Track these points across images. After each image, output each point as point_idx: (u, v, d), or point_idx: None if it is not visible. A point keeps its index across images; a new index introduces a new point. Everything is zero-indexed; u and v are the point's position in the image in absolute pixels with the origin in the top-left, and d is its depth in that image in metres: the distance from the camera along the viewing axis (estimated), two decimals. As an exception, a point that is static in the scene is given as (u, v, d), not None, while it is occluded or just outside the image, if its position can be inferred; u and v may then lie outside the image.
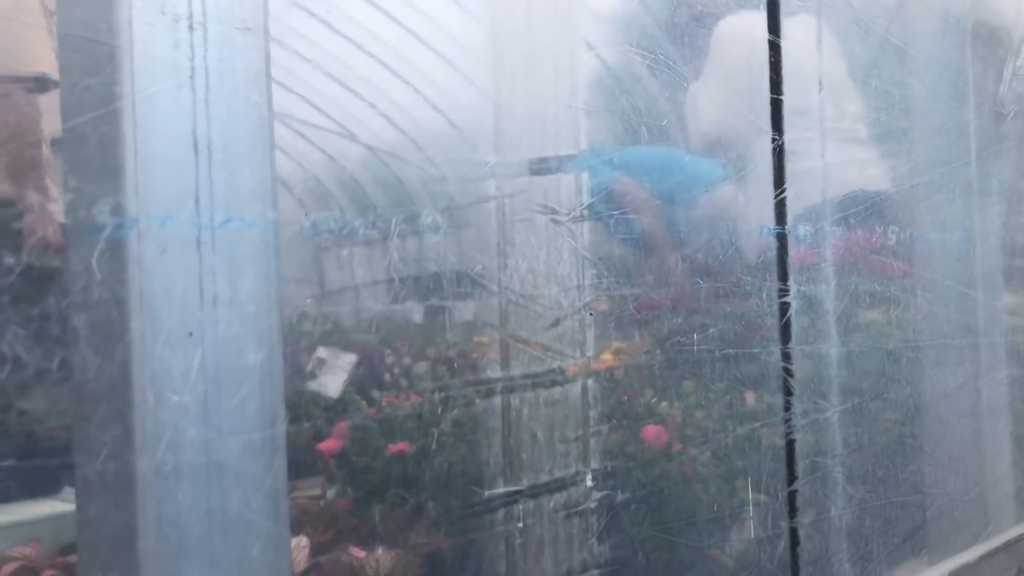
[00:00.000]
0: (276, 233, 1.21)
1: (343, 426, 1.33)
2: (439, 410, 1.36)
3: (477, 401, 1.40)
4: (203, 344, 1.12)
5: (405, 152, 1.34)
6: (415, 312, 1.34)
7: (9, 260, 0.98)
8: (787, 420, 1.96)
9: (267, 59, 1.22)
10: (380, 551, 1.33)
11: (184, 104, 1.14)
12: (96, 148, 1.06)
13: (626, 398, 1.65)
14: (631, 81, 1.66)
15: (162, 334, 1.08)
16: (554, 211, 1.51)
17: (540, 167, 1.51)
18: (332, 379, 1.38)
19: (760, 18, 1.93)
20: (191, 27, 1.15)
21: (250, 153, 1.19)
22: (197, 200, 1.14)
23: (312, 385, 1.31)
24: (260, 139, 1.21)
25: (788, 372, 1.96)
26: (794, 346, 1.98)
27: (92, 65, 1.09)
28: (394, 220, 1.30)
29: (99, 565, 1.09)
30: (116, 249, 1.06)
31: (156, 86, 1.11)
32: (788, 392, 1.97)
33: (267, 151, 1.21)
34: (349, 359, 1.37)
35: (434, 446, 1.34)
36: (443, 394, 1.36)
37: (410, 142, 1.34)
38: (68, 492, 1.25)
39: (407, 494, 1.32)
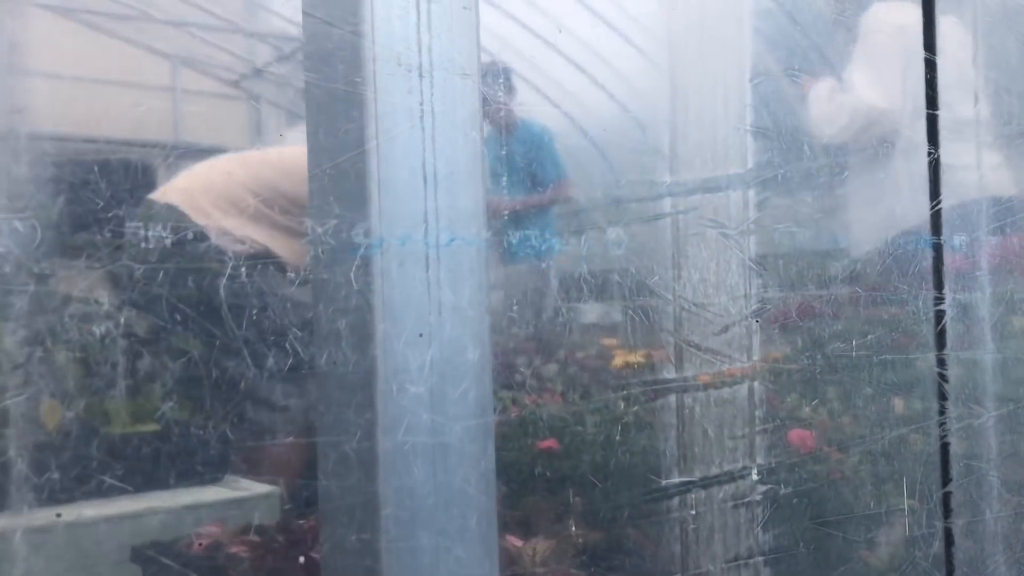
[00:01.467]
0: (488, 249, 1.40)
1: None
2: (622, 406, 1.53)
3: (656, 399, 1.56)
4: (433, 344, 1.32)
5: (594, 176, 1.51)
6: (601, 317, 1.52)
7: (290, 274, 1.21)
8: (941, 424, 2.03)
9: (481, 100, 1.42)
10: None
11: (415, 141, 1.35)
12: (352, 182, 1.28)
13: (789, 399, 1.77)
14: (795, 103, 1.78)
15: (402, 335, 1.29)
16: (723, 225, 1.65)
17: (711, 185, 1.66)
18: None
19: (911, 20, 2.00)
20: (420, 75, 1.36)
21: (468, 181, 1.39)
22: (426, 222, 1.35)
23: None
24: (476, 169, 1.40)
25: (943, 377, 2.03)
26: (949, 352, 2.05)
27: (345, 112, 1.31)
28: (583, 237, 1.48)
29: (351, 528, 1.30)
30: (367, 264, 1.28)
31: (395, 128, 1.33)
32: (943, 397, 2.04)
33: (481, 179, 1.41)
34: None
35: (618, 437, 1.51)
36: (626, 392, 1.53)
37: (598, 167, 1.51)
38: (230, 479, 1.42)
39: (596, 480, 1.49)
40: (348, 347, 1.25)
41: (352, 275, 1.25)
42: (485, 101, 1.42)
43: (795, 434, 1.86)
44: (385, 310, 1.29)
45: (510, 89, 1.56)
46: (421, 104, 1.36)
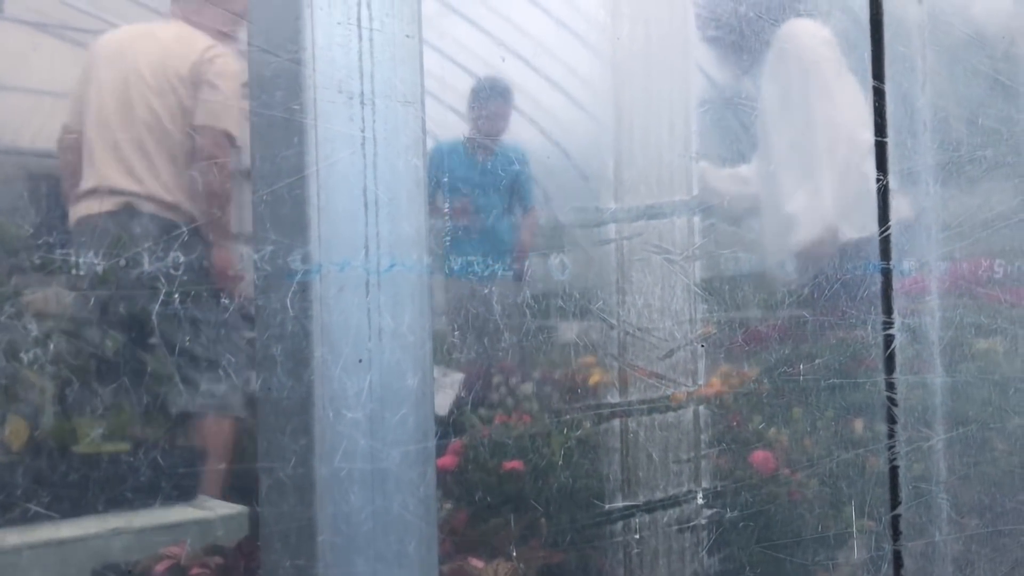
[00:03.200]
0: (430, 275, 1.41)
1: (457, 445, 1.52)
2: (564, 430, 1.54)
3: (599, 423, 1.57)
4: (371, 369, 1.33)
5: (537, 202, 1.53)
6: (545, 343, 1.53)
7: (224, 301, 1.22)
8: (891, 447, 2.06)
9: (423, 127, 1.44)
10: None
11: (357, 168, 1.36)
12: (290, 208, 1.29)
13: (735, 424, 1.79)
14: (740, 132, 1.81)
15: (340, 360, 1.30)
16: (668, 251, 1.67)
17: (656, 211, 1.68)
18: (441, 397, 1.57)
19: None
20: (362, 103, 1.37)
21: (409, 207, 1.40)
22: (367, 248, 1.36)
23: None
24: (417, 195, 1.42)
25: (892, 401, 2.06)
26: (898, 376, 2.08)
27: (285, 139, 1.32)
28: (527, 262, 1.49)
29: (285, 555, 1.30)
30: (304, 290, 1.28)
31: (336, 154, 1.34)
32: (892, 420, 2.06)
33: (423, 205, 1.42)
34: (457, 378, 1.56)
35: (560, 462, 1.52)
36: (567, 416, 1.54)
37: (541, 192, 1.53)
38: (202, 499, 1.44)
39: (537, 504, 1.50)
40: (284, 373, 1.25)
41: (288, 301, 1.26)
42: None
43: (756, 455, 1.88)
44: (323, 336, 1.29)
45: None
46: (363, 131, 1.37)
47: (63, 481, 1.12)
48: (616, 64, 1.64)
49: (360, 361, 1.33)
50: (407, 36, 1.43)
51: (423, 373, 1.38)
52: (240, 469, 1.31)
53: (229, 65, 1.84)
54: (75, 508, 1.13)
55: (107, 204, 1.69)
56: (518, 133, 1.52)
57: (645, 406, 1.64)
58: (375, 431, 1.32)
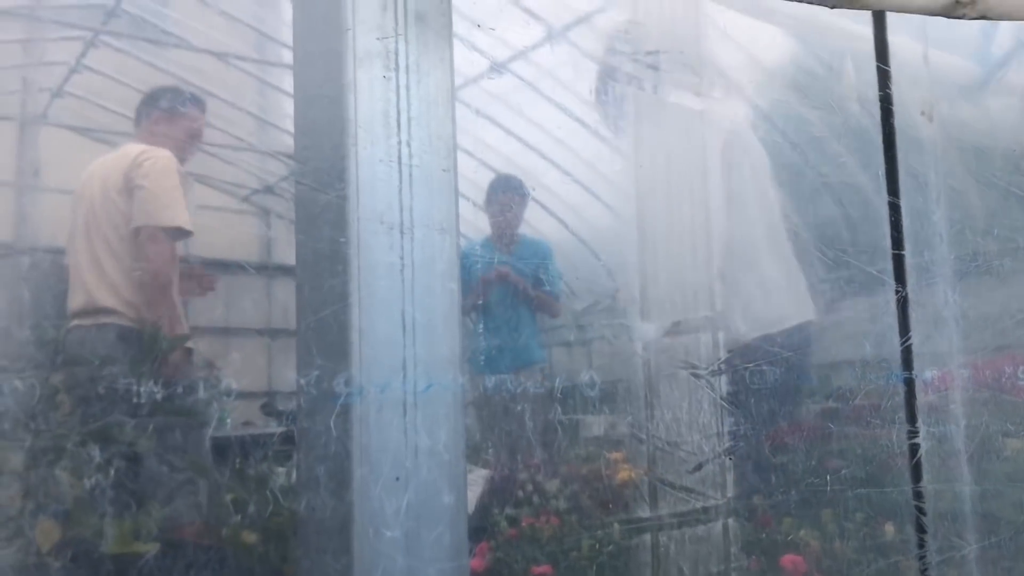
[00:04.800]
0: (464, 394, 1.48)
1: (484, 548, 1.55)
2: (596, 544, 1.57)
3: (630, 537, 1.60)
4: (409, 488, 1.38)
5: (568, 320, 1.60)
6: (576, 457, 1.57)
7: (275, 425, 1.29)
8: (922, 557, 2.05)
9: (458, 253, 1.52)
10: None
11: (395, 293, 1.44)
12: (335, 334, 1.36)
13: (764, 535, 1.81)
14: (761, 250, 1.88)
15: (379, 480, 1.35)
16: (694, 366, 1.72)
17: (681, 328, 1.74)
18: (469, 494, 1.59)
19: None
20: (401, 232, 1.46)
21: (445, 329, 1.47)
22: (404, 370, 1.42)
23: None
24: (452, 318, 1.49)
25: (920, 510, 2.06)
26: (926, 484, 2.09)
27: (330, 268, 1.41)
28: (557, 380, 1.55)
29: (325, 671, 1.33)
30: (346, 412, 1.35)
31: (377, 281, 1.42)
32: (922, 529, 2.07)
33: (458, 327, 1.50)
34: (482, 474, 1.60)
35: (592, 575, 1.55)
36: (599, 531, 1.57)
37: (572, 313, 1.60)
38: None
39: (571, 619, 1.52)
40: (327, 493, 1.31)
41: (332, 423, 1.32)
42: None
43: (787, 559, 1.88)
44: (363, 456, 1.35)
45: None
46: (401, 259, 1.46)
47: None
48: (639, 191, 1.73)
49: (398, 479, 1.38)
50: (443, 170, 1.52)
51: (458, 491, 1.43)
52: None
53: (156, 164, 1.92)
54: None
55: (87, 319, 1.77)
56: (544, 234, 1.61)
57: (675, 519, 1.66)
58: (412, 549, 1.36)
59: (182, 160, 2.00)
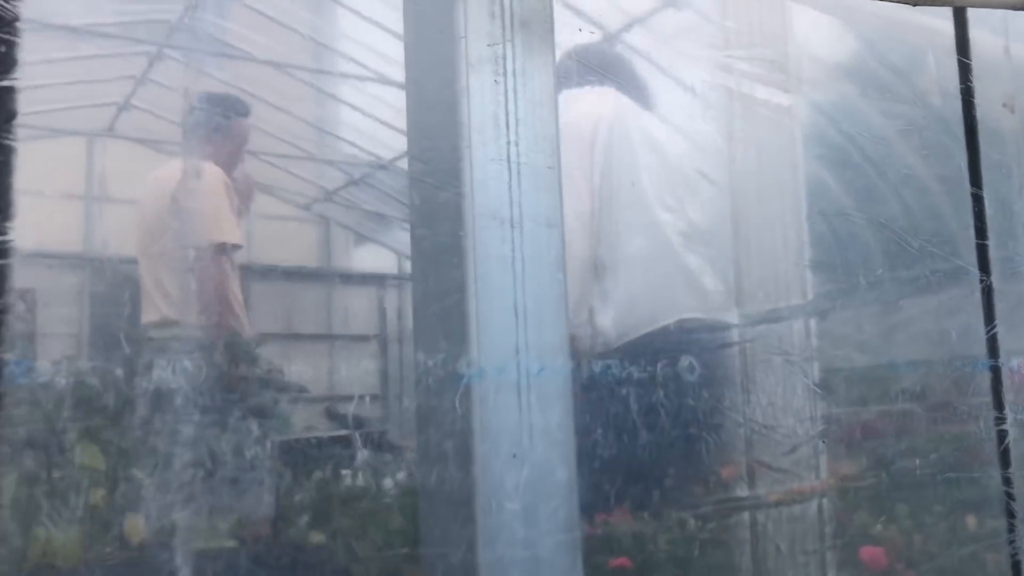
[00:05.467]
0: (573, 377, 1.57)
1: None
2: (699, 521, 1.64)
3: (729, 516, 1.68)
4: (525, 464, 1.47)
5: (668, 309, 1.68)
6: (678, 439, 1.65)
7: (405, 403, 1.39)
8: (1011, 542, 2.08)
9: (563, 245, 1.62)
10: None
11: (507, 283, 1.54)
12: (456, 321, 1.47)
13: (855, 517, 1.87)
14: (848, 239, 1.94)
15: (499, 455, 1.45)
16: (788, 353, 1.79)
17: (774, 316, 1.81)
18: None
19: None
20: (512, 226, 1.56)
21: (554, 317, 1.57)
22: (518, 354, 1.52)
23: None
24: (559, 307, 1.58)
25: (1009, 496, 2.09)
26: (1014, 471, 2.12)
27: (449, 260, 1.51)
28: (659, 364, 1.64)
29: (451, 635, 1.43)
30: (468, 392, 1.45)
31: (491, 272, 1.52)
32: (1011, 515, 2.10)
33: (563, 315, 1.59)
34: None
35: (696, 552, 1.62)
36: (701, 509, 1.65)
37: (674, 305, 1.68)
38: None
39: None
40: (454, 467, 1.41)
41: (457, 402, 1.43)
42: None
43: (867, 552, 1.94)
44: (484, 433, 1.45)
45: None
46: (512, 251, 1.56)
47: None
48: (732, 185, 1.81)
49: (514, 456, 1.47)
50: (548, 167, 1.62)
51: (570, 468, 1.52)
52: (407, 554, 1.46)
53: (202, 182, 2.02)
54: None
55: (162, 332, 1.87)
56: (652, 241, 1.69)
57: (772, 499, 1.73)
58: (530, 521, 1.46)
59: (230, 170, 2.11)
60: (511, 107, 1.60)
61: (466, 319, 1.48)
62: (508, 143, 1.58)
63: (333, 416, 1.47)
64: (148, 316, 1.95)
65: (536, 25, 1.65)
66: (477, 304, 1.50)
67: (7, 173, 1.10)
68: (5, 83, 1.11)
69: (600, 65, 1.77)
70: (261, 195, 2.22)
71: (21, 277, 1.13)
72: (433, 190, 1.51)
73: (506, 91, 1.60)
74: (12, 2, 1.11)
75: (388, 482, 1.38)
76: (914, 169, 2.11)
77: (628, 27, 1.71)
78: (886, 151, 2.07)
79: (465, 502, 1.41)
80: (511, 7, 1.61)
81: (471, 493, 1.42)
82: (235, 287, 1.92)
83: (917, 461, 1.96)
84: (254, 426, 1.24)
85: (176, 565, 1.14)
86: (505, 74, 1.60)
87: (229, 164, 2.13)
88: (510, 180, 1.57)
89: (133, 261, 1.98)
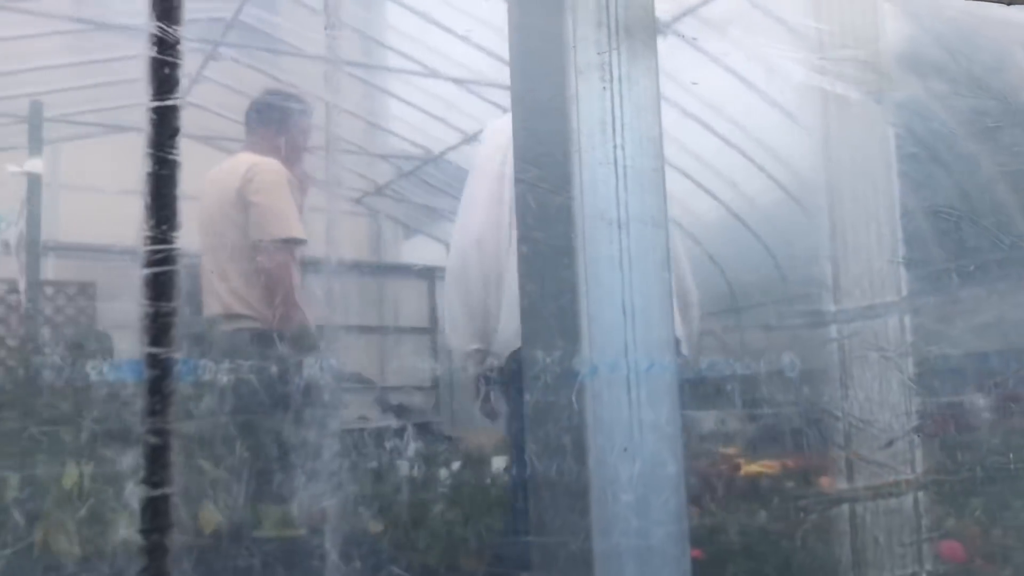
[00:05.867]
0: (678, 374, 1.62)
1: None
2: (800, 513, 1.69)
3: (830, 507, 1.72)
4: (637, 458, 1.53)
5: (769, 306, 1.72)
6: (781, 432, 1.70)
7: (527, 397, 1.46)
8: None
9: (667, 247, 1.67)
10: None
11: (615, 282, 1.60)
12: (569, 320, 1.53)
13: (952, 510, 1.89)
14: (941, 236, 1.97)
15: (613, 449, 1.51)
16: (883, 348, 1.82)
17: (870, 312, 1.84)
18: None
19: None
20: (619, 227, 1.62)
21: (660, 315, 1.62)
22: (627, 351, 1.58)
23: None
24: (665, 305, 1.64)
25: (1105, 490, 2.10)
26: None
27: (558, 261, 1.57)
28: (762, 361, 1.68)
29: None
30: (582, 388, 1.51)
31: (601, 272, 1.58)
32: (1106, 509, 2.10)
33: (669, 313, 1.64)
34: None
35: (798, 543, 1.67)
36: (803, 500, 1.69)
37: (772, 302, 1.73)
38: None
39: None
40: (572, 459, 1.47)
41: (573, 397, 1.49)
42: (673, 247, 1.67)
43: (946, 546, 1.96)
44: (597, 427, 1.51)
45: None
46: (620, 251, 1.61)
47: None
48: (829, 184, 1.84)
49: (625, 450, 1.53)
50: (653, 169, 1.67)
51: (678, 462, 1.57)
52: (528, 542, 1.52)
53: (266, 178, 2.06)
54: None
55: (227, 325, 1.93)
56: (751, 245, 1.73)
57: (870, 492, 1.77)
58: (642, 512, 1.51)
59: (291, 165, 2.17)
60: (617, 112, 1.65)
61: (578, 317, 1.54)
62: (615, 147, 1.63)
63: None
64: (211, 309, 2.03)
65: (639, 31, 1.70)
66: (588, 302, 1.56)
67: (172, 185, 1.18)
68: (169, 102, 1.19)
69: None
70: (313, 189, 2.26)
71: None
72: (547, 194, 1.57)
73: (612, 96, 1.65)
74: (174, 26, 1.19)
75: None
76: (1005, 165, 2.12)
77: (727, 24, 1.75)
78: (976, 148, 2.09)
79: (582, 493, 1.48)
80: (617, 15, 1.66)
81: (587, 484, 1.48)
82: (298, 281, 1.99)
83: (1011, 455, 1.98)
84: (392, 419, 1.32)
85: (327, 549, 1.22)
86: (611, 80, 1.65)
87: (290, 160, 2.20)
88: (617, 182, 1.62)
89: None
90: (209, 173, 2.16)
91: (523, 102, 1.70)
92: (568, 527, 1.48)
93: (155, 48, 1.21)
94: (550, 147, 1.60)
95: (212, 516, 1.41)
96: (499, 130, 2.00)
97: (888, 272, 1.87)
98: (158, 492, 1.11)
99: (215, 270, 2.05)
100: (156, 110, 1.19)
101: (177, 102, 1.19)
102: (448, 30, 2.67)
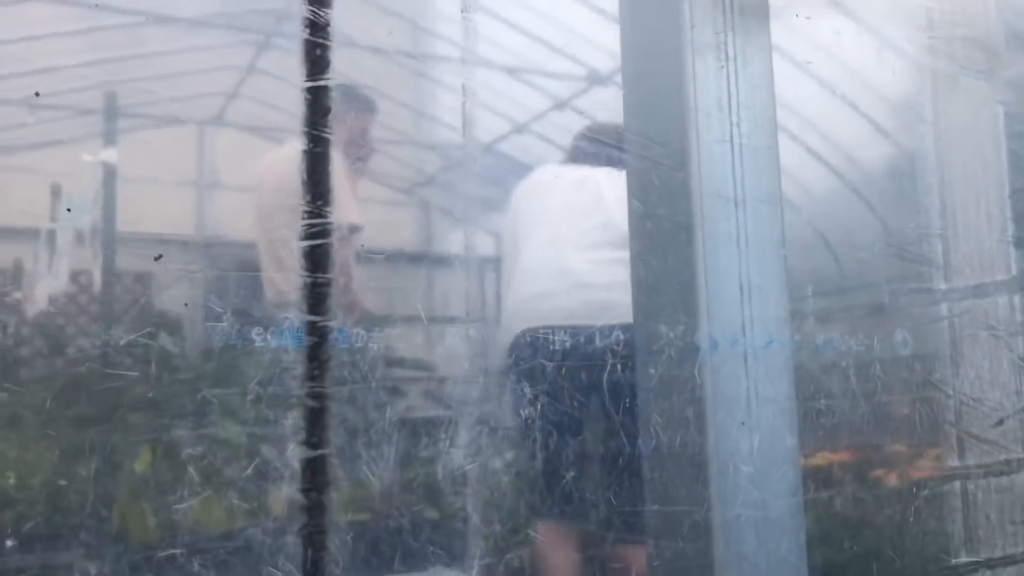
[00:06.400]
0: (794, 350, 1.64)
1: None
2: (913, 488, 1.70)
3: (942, 484, 1.73)
4: (756, 431, 1.56)
5: (881, 287, 1.74)
6: (892, 410, 1.71)
7: (651, 371, 1.50)
8: None
9: (781, 224, 1.68)
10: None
11: (732, 260, 1.62)
12: (689, 296, 1.56)
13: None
14: (1051, 215, 1.95)
15: (734, 422, 1.54)
16: (994, 327, 1.82)
17: (980, 291, 1.84)
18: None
19: None
20: (736, 204, 1.64)
21: (776, 293, 1.64)
22: (744, 328, 1.60)
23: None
24: (781, 282, 1.66)
25: None
26: None
27: (675, 237, 1.60)
28: (875, 339, 1.70)
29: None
30: (703, 363, 1.54)
31: (718, 251, 1.60)
32: None
33: (785, 290, 1.66)
34: None
35: (911, 518, 1.69)
36: (916, 476, 1.70)
37: (883, 279, 1.74)
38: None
39: (893, 553, 1.66)
40: (695, 431, 1.51)
41: (696, 371, 1.52)
42: (788, 224, 1.68)
43: None
44: (718, 400, 1.54)
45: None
46: (736, 228, 1.64)
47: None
48: (940, 163, 1.85)
49: (743, 424, 1.56)
50: (767, 147, 1.69)
51: (796, 436, 1.60)
52: (642, 511, 1.56)
53: None
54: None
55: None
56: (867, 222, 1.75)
57: (981, 470, 1.78)
58: (762, 484, 1.54)
59: (351, 156, 2.20)
60: (733, 90, 1.67)
61: (697, 294, 1.57)
62: (731, 125, 1.65)
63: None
64: (267, 296, 2.07)
65: (754, 10, 1.72)
66: (707, 279, 1.59)
67: (325, 162, 1.24)
68: (321, 83, 1.24)
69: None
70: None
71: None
72: (669, 172, 1.60)
73: (727, 75, 1.67)
74: (324, 9, 1.24)
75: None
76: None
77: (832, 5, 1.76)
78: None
79: (706, 463, 1.51)
80: (732, -5, 1.68)
81: (710, 456, 1.52)
82: (355, 267, 2.03)
83: (1120, 436, 1.96)
84: (526, 389, 1.37)
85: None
86: (727, 59, 1.67)
87: (348, 151, 2.25)
88: (733, 160, 1.65)
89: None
90: (263, 161, 2.21)
91: (637, 82, 1.73)
92: (696, 496, 1.51)
93: (307, 31, 1.26)
94: (667, 126, 1.63)
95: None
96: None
97: (998, 251, 1.87)
98: (317, 452, 1.17)
99: (270, 259, 2.10)
100: (309, 90, 1.25)
101: (328, 82, 1.25)
102: (496, 16, 2.70)
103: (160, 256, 1.15)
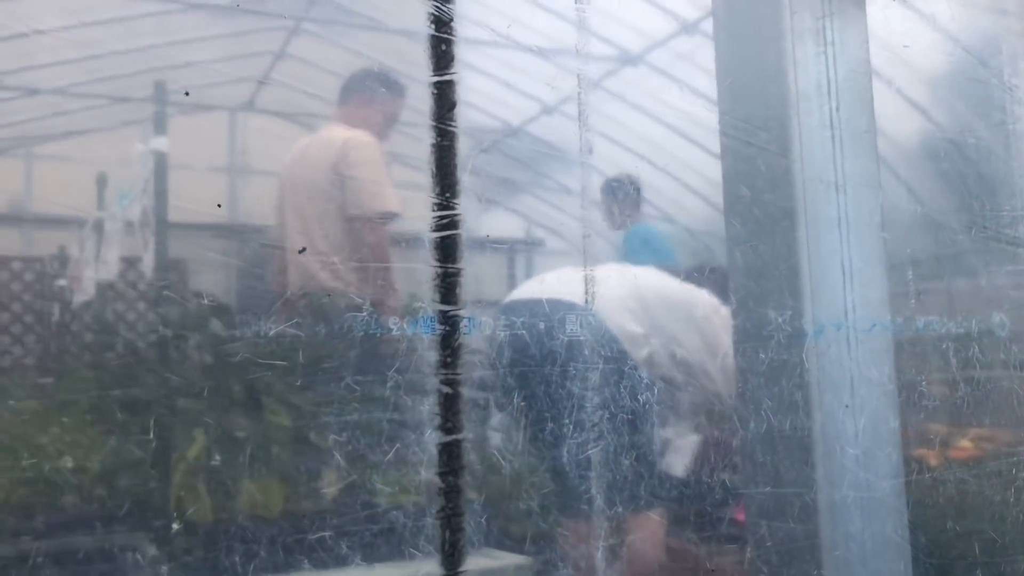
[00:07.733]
0: (893, 333, 1.66)
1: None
2: (1013, 470, 1.71)
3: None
4: (861, 413, 1.58)
5: (978, 269, 1.74)
6: (992, 392, 1.72)
7: (761, 356, 1.52)
8: None
9: (881, 208, 1.70)
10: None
11: (834, 244, 1.64)
12: (793, 280, 1.58)
13: None
14: None
15: (840, 406, 1.56)
16: (1090, 309, 1.82)
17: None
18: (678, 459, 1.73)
19: None
20: (837, 189, 1.65)
21: (878, 276, 1.66)
22: (846, 312, 1.62)
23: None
24: (881, 266, 1.67)
25: None
26: None
27: (777, 222, 1.62)
28: (973, 320, 1.71)
29: (791, 570, 1.56)
30: (810, 347, 1.56)
31: (820, 236, 1.62)
32: None
33: (886, 274, 1.67)
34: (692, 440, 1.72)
35: (1012, 499, 1.70)
36: (1016, 458, 1.71)
37: (983, 261, 1.74)
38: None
39: (996, 535, 1.68)
40: (804, 415, 1.53)
41: (804, 355, 1.54)
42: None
43: None
44: (825, 384, 1.56)
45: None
46: (838, 212, 1.65)
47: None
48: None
49: (847, 406, 1.58)
50: (866, 131, 1.70)
51: (900, 418, 1.62)
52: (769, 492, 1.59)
53: (363, 152, 2.05)
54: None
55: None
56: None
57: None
58: (868, 465, 1.56)
59: (382, 140, 2.18)
60: (831, 75, 1.68)
61: (801, 279, 1.59)
62: (831, 110, 1.66)
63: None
64: (297, 285, 2.07)
65: (851, -5, 1.72)
66: (810, 264, 1.60)
67: (453, 154, 1.27)
68: (447, 77, 1.27)
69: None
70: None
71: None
72: (774, 157, 1.61)
73: (827, 60, 1.68)
74: (448, 5, 1.27)
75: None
76: None
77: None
78: None
79: (814, 446, 1.53)
80: (831, -21, 1.68)
81: (818, 438, 1.54)
82: (392, 256, 2.01)
83: None
84: (643, 374, 1.40)
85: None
86: (826, 44, 1.68)
87: (382, 136, 2.24)
88: (833, 145, 1.66)
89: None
90: (295, 148, 2.20)
91: (732, 67, 1.74)
92: (805, 477, 1.54)
93: (432, 26, 1.29)
94: (768, 112, 1.64)
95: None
96: None
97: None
98: (451, 437, 1.21)
99: (307, 245, 2.08)
100: (436, 84, 1.28)
101: (454, 77, 1.27)
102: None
103: (304, 249, 1.19)
